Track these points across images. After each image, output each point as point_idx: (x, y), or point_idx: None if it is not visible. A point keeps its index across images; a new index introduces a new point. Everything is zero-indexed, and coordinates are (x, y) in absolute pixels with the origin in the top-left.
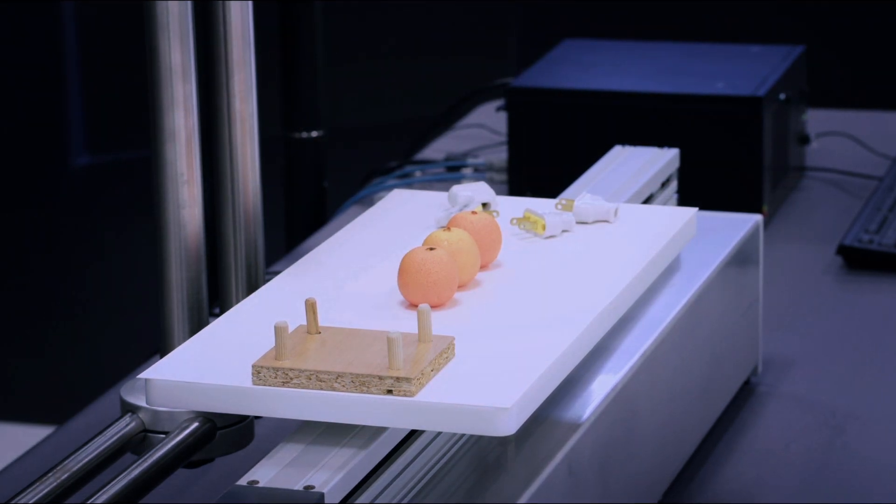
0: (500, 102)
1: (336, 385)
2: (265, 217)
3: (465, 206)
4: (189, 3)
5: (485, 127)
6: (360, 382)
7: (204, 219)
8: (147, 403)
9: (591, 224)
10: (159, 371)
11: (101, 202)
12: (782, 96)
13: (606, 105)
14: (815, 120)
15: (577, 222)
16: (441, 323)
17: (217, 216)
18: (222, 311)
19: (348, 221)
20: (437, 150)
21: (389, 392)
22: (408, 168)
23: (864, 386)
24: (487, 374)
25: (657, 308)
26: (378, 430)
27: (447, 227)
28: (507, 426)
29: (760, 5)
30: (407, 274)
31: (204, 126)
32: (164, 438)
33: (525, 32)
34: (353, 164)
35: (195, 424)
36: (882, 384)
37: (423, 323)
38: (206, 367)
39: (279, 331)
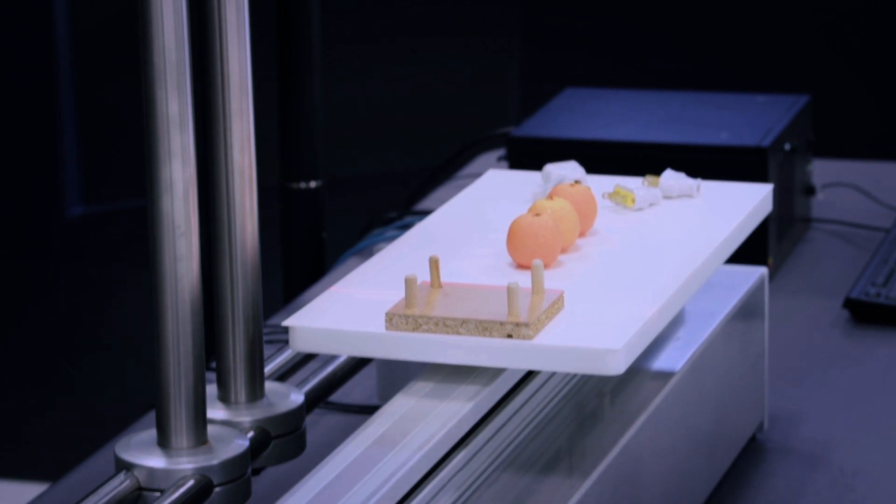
0: (501, 152)
1: (461, 330)
2: (262, 268)
3: (559, 183)
4: (187, 52)
5: None
6: (483, 328)
7: (201, 271)
8: (291, 349)
9: (676, 198)
10: (301, 319)
11: (96, 253)
12: (787, 146)
13: (608, 155)
14: (821, 170)
15: (663, 197)
16: (549, 280)
17: (215, 268)
18: (219, 367)
19: (347, 273)
20: (437, 199)
21: (510, 336)
22: (408, 219)
23: (873, 442)
24: (595, 322)
25: (662, 361)
26: (495, 374)
27: (550, 196)
28: (618, 366)
29: (765, 54)
30: (516, 237)
31: (201, 176)
32: (159, 497)
33: (526, 80)
34: (353, 214)
35: (191, 482)
36: (891, 440)
37: (536, 277)
38: (342, 315)
39: (409, 282)
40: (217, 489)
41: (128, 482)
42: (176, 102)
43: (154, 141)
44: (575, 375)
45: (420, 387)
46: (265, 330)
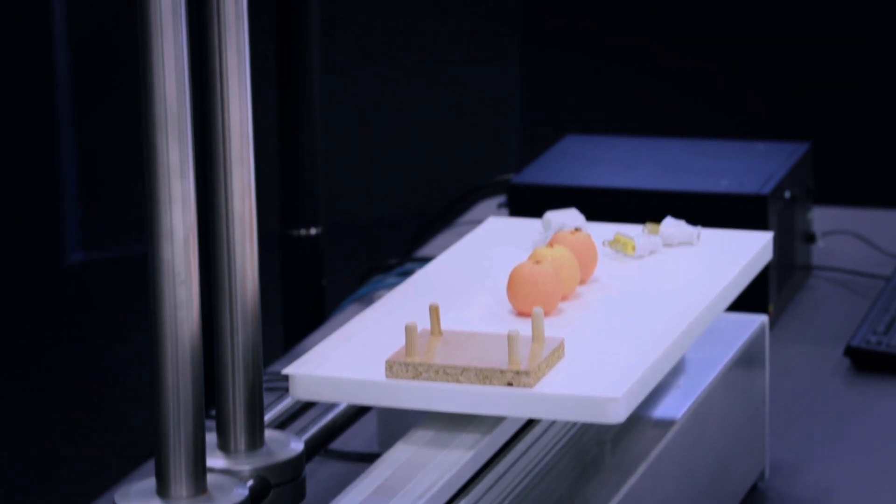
0: (501, 198)
1: (461, 378)
2: (262, 315)
3: (559, 230)
4: (188, 101)
5: None
6: (484, 376)
7: (201, 318)
8: (291, 397)
9: (676, 246)
10: (301, 367)
11: (96, 300)
12: (787, 194)
13: (609, 202)
14: (821, 218)
15: (664, 244)
16: (550, 328)
17: (215, 316)
18: (219, 416)
19: (348, 320)
20: (438, 246)
21: (510, 384)
22: (408, 265)
23: (874, 491)
24: (596, 371)
25: (662, 410)
26: (496, 422)
27: (550, 244)
28: (618, 414)
29: (765, 101)
30: (517, 285)
31: (201, 224)
32: None
33: (527, 126)
34: (353, 260)
35: None
36: (892, 488)
37: (536, 325)
38: (343, 363)
39: (409, 330)
40: None
41: None
42: (177, 151)
43: (154, 189)
44: (575, 424)
45: (420, 435)
46: (265, 377)
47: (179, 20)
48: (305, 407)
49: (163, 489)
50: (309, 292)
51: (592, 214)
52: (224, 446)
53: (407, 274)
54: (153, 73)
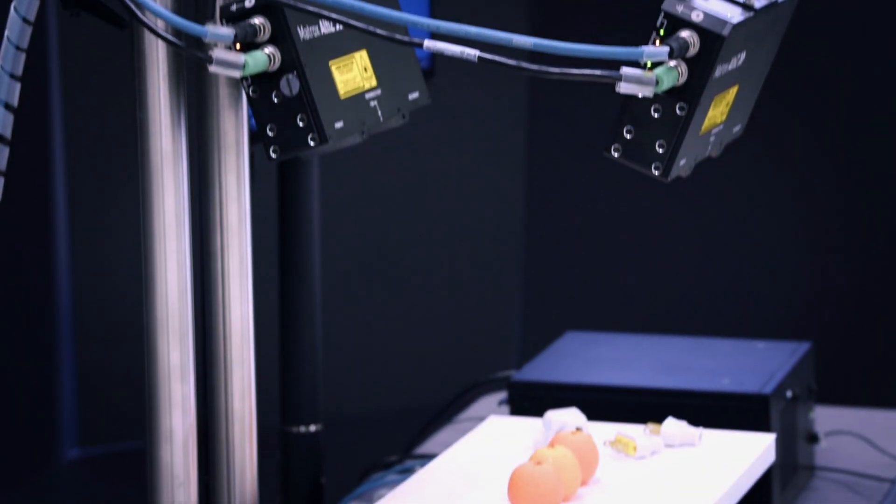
0: (502, 395)
1: None
2: None
3: (560, 430)
4: (189, 302)
5: None
6: None
7: None
8: None
9: (678, 447)
10: None
11: (93, 498)
12: (789, 394)
13: (610, 400)
14: (824, 418)
15: (665, 445)
16: None
17: None
18: None
19: None
20: (438, 443)
21: None
22: (408, 463)
23: None
24: None
25: None
26: None
27: (551, 445)
28: None
29: (766, 300)
30: (518, 486)
31: (201, 424)
32: None
33: (527, 321)
34: (352, 455)
35: None
36: None
37: None
38: None
39: None
40: None
41: None
42: (178, 353)
43: (154, 391)
44: None
45: None
46: None
47: (182, 223)
48: None
49: None
50: (308, 491)
51: (594, 412)
52: None
53: (407, 472)
54: (155, 276)
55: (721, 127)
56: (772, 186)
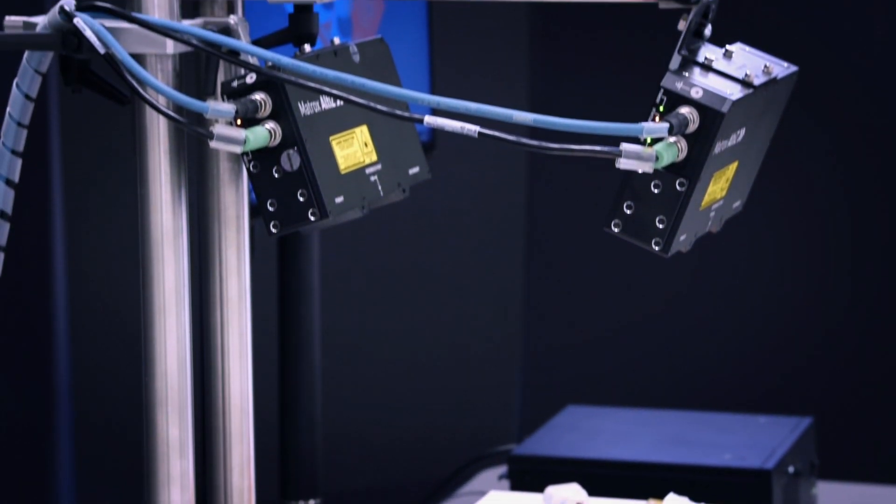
0: (502, 469)
1: None
2: None
3: None
4: (189, 376)
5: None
6: None
7: None
8: None
9: None
10: None
11: None
12: (791, 469)
13: (611, 475)
14: (826, 494)
15: None
16: None
17: None
18: None
19: None
20: None
21: None
22: None
23: None
24: None
25: None
26: None
27: None
28: None
29: (767, 374)
30: None
31: (200, 499)
32: None
33: (527, 394)
34: None
35: None
36: None
37: None
38: None
39: None
40: None
41: None
42: (177, 428)
43: (153, 466)
44: None
45: None
46: None
47: (182, 298)
48: None
49: None
50: None
51: (594, 488)
52: None
53: None
54: (154, 351)
55: (721, 203)
56: (772, 262)
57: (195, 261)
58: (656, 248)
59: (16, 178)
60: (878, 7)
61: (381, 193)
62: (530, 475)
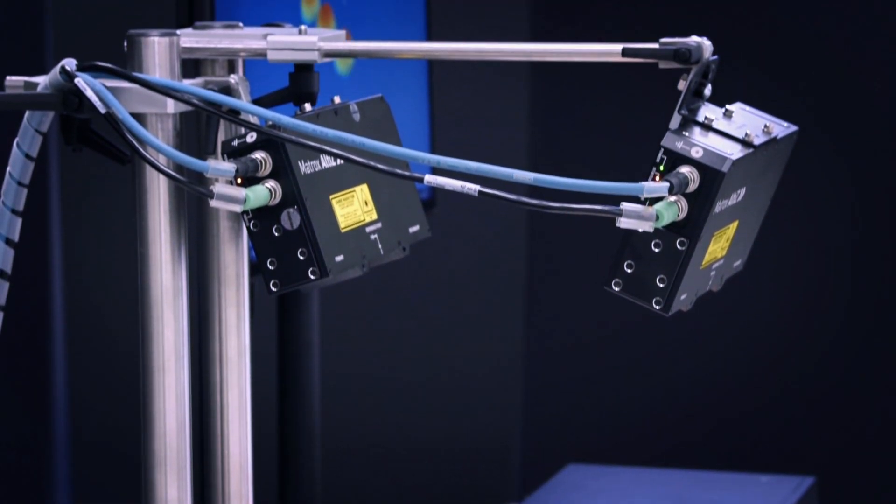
0: None
1: None
2: None
3: None
4: (188, 437)
5: None
6: None
7: None
8: None
9: None
10: None
11: None
12: None
13: None
14: None
15: None
16: None
17: None
18: None
19: None
20: None
21: None
22: None
23: None
24: None
25: None
26: None
27: None
28: None
29: (768, 433)
30: None
31: None
32: None
33: (528, 453)
34: None
35: None
36: None
37: None
38: None
39: None
40: None
41: None
42: (175, 488)
43: None
44: None
45: None
46: None
47: (182, 357)
48: None
49: None
50: None
51: None
52: None
53: None
54: (153, 410)
55: (722, 261)
56: (773, 315)
57: (194, 319)
58: (657, 308)
59: (16, 237)
60: (879, 7)
61: (382, 252)
62: None
